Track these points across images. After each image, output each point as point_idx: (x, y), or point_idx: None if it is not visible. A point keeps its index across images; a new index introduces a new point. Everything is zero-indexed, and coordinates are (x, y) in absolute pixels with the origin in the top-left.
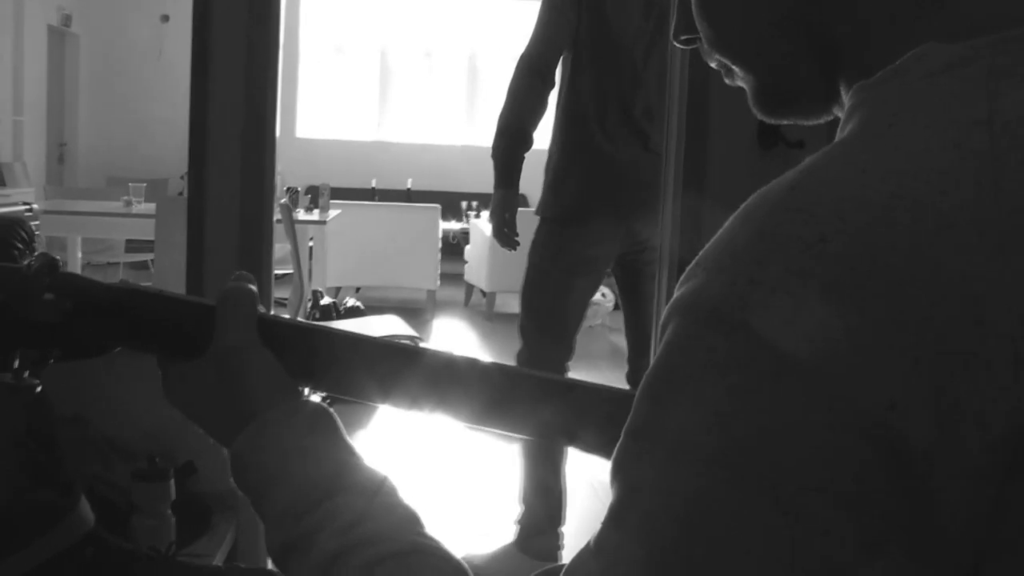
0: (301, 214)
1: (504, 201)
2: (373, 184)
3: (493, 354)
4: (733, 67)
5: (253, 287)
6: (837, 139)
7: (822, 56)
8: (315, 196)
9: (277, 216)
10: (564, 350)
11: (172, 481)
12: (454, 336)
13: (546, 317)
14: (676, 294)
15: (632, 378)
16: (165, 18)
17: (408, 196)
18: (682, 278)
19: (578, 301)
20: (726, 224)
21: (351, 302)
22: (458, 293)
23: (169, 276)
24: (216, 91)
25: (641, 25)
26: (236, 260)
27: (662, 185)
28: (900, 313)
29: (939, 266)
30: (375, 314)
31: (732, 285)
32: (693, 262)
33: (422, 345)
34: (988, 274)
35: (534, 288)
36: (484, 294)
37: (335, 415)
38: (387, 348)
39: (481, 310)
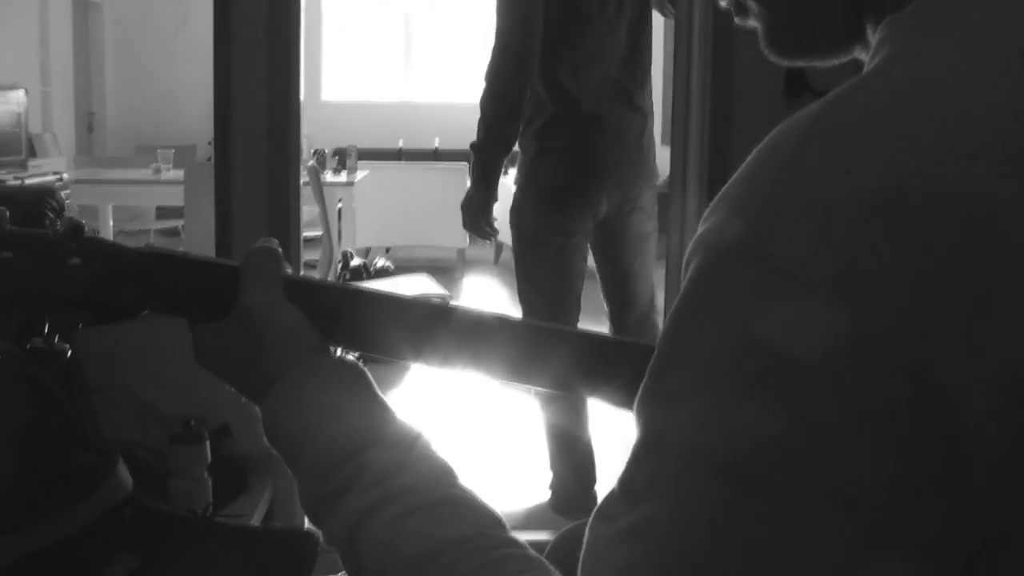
0: (329, 176)
1: (486, 202)
2: (400, 144)
3: None
4: (749, 2)
5: (277, 247)
6: (865, 71)
7: (849, 6)
8: (343, 158)
9: (305, 179)
10: (573, 314)
11: (208, 444)
12: (484, 294)
13: (551, 286)
14: (700, 229)
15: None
16: None
17: (436, 155)
18: (706, 213)
19: (579, 263)
20: (750, 157)
21: (381, 262)
22: (487, 251)
23: (199, 241)
24: (239, 56)
25: None
26: (264, 223)
27: (683, 138)
28: (928, 241)
29: (969, 193)
30: (405, 274)
31: (758, 217)
32: (718, 196)
33: (452, 303)
34: (1020, 202)
35: (534, 259)
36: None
37: (366, 370)
38: (415, 305)
39: (511, 267)
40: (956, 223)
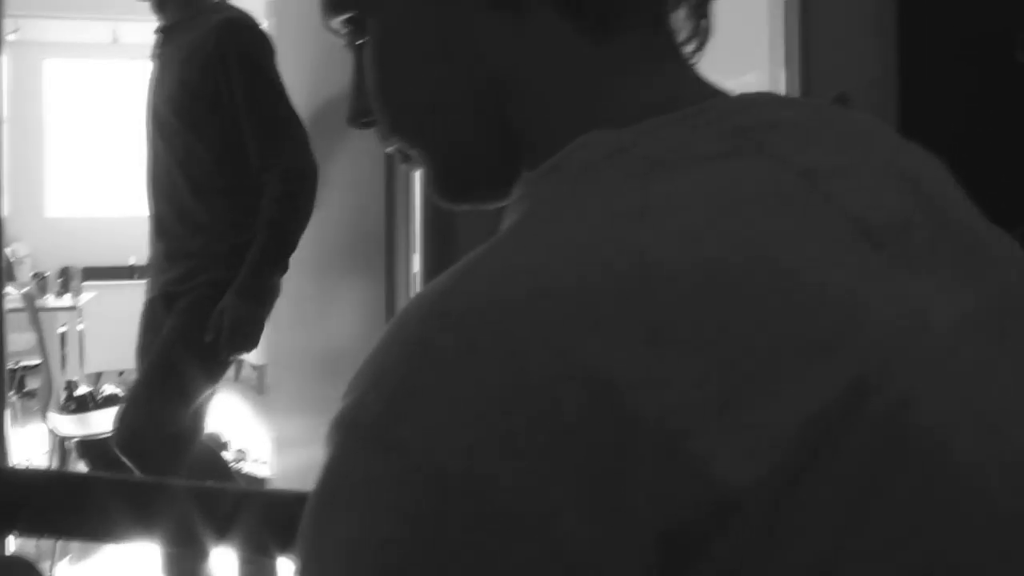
0: (51, 300)
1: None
2: (132, 261)
3: (268, 429)
4: (411, 151)
5: None
6: (495, 236)
7: (502, 142)
8: (67, 279)
9: (18, 304)
10: None
11: None
12: (226, 413)
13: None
14: (339, 409)
15: None
16: None
17: None
18: (345, 391)
19: None
20: (385, 331)
21: (110, 389)
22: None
23: None
24: None
25: None
26: None
27: (404, 248)
28: (549, 413)
29: (585, 361)
30: None
31: (387, 399)
32: (360, 369)
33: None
34: (636, 367)
35: (211, 368)
36: (255, 368)
37: (33, 564)
38: (75, 481)
39: (252, 384)
40: (573, 391)
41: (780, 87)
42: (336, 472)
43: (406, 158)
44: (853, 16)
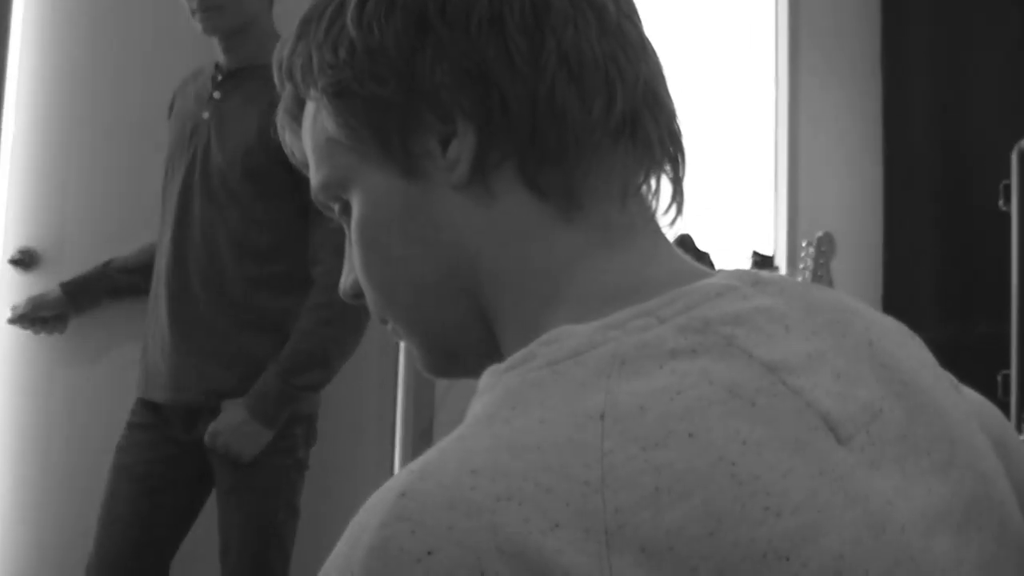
0: None
1: None
2: None
3: None
4: (396, 326)
5: None
6: (457, 429)
7: (478, 319)
8: None
9: None
10: None
11: None
12: None
13: None
14: None
15: None
16: None
17: None
18: None
19: None
20: (346, 532)
21: None
22: None
23: None
24: None
25: None
26: None
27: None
28: None
29: (543, 564)
30: None
31: None
32: (322, 571)
33: None
34: (594, 571)
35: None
36: None
37: None
38: None
39: None
40: None
41: (769, 222)
42: None
43: (395, 332)
44: (840, 159)
